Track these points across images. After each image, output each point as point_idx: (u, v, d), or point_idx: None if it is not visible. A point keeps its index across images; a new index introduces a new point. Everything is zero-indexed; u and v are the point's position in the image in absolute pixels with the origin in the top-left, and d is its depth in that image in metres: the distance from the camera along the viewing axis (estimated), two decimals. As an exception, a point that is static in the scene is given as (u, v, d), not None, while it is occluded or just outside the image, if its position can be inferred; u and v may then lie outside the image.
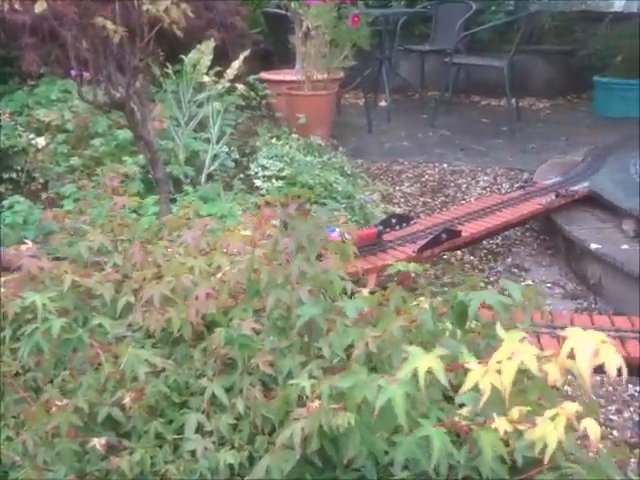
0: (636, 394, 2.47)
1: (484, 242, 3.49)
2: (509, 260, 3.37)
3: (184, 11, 2.38)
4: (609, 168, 3.85)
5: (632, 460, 2.19)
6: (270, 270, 0.99)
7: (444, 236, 2.71)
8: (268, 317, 0.95)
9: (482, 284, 3.15)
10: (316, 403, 0.74)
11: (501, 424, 0.69)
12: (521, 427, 0.70)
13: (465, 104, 6.78)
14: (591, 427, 0.67)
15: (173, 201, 2.96)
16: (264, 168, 3.47)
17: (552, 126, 5.78)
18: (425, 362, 0.69)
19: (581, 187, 3.45)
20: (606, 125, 5.70)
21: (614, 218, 3.23)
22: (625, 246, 2.95)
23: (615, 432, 2.30)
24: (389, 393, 0.69)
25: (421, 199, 4.07)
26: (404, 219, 2.92)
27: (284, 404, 0.81)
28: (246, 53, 3.89)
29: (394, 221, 2.88)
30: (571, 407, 0.68)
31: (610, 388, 2.51)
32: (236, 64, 3.77)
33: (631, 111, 6.01)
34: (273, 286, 0.96)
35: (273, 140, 3.81)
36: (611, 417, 2.36)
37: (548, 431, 0.67)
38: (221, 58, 3.98)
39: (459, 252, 3.39)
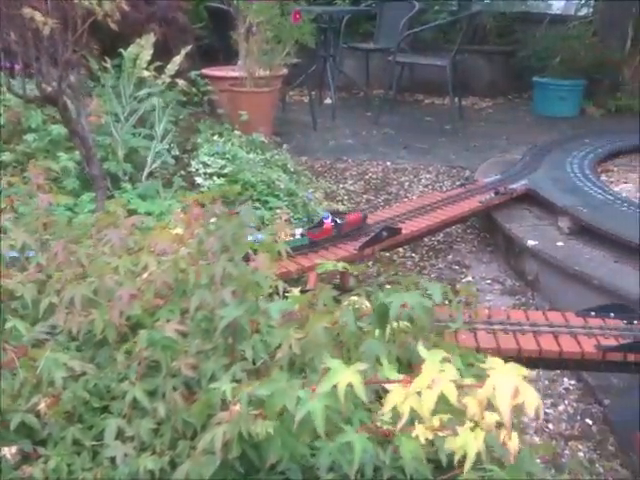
0: (571, 387, 2.53)
1: (426, 239, 3.52)
2: (450, 257, 3.41)
3: (118, 4, 2.32)
4: (547, 166, 3.93)
5: (566, 452, 2.25)
6: (195, 270, 0.96)
7: (385, 234, 2.72)
8: (192, 319, 0.93)
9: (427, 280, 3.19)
10: (237, 407, 0.72)
11: (421, 432, 0.68)
12: (442, 434, 0.70)
13: (409, 102, 6.84)
14: (512, 440, 0.67)
15: (111, 198, 2.89)
16: (205, 165, 3.42)
17: (494, 125, 5.88)
18: (345, 377, 0.67)
19: (520, 185, 3.51)
20: (545, 124, 5.83)
21: (551, 215, 3.30)
22: (560, 243, 3.02)
23: (551, 425, 2.35)
24: (309, 406, 0.67)
25: (364, 197, 4.08)
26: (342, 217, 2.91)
27: (205, 408, 0.78)
28: (188, 48, 3.83)
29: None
30: (491, 418, 0.67)
31: (546, 382, 2.57)
32: (177, 59, 3.71)
33: (569, 111, 6.18)
34: (197, 287, 0.94)
35: (215, 137, 3.76)
36: (547, 411, 2.41)
37: (468, 441, 0.67)
38: (162, 53, 3.90)
39: (401, 249, 3.41)
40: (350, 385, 0.66)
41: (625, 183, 4.12)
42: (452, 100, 5.76)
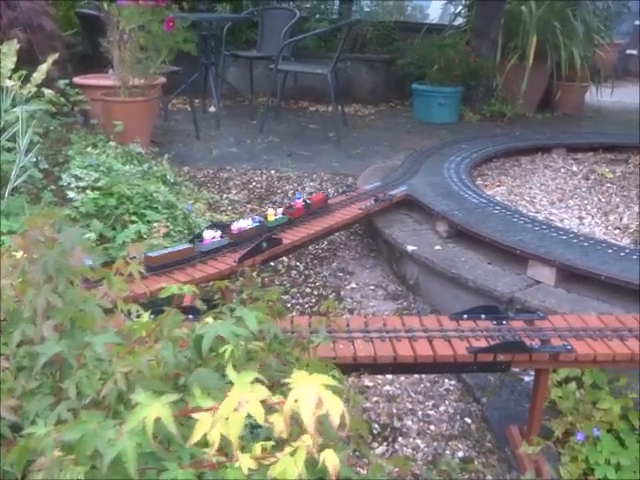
0: (451, 388, 2.59)
1: (310, 247, 3.53)
2: (334, 264, 3.43)
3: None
4: (425, 172, 4.04)
5: (447, 452, 2.30)
6: (22, 302, 0.88)
7: (265, 245, 2.68)
8: (14, 355, 0.85)
9: (308, 290, 3.19)
10: (57, 452, 0.66)
11: (245, 461, 0.65)
12: (266, 462, 0.67)
13: (294, 110, 6.87)
14: (330, 459, 0.65)
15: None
16: (78, 178, 3.26)
17: (376, 132, 6.00)
18: (153, 411, 0.63)
19: (399, 191, 3.57)
20: (425, 130, 6.01)
21: (429, 220, 3.38)
22: (438, 247, 3.09)
23: (432, 426, 2.39)
24: (119, 446, 0.63)
25: (248, 206, 4.04)
26: (223, 228, 2.86)
27: (25, 454, 0.71)
28: (55, 56, 3.64)
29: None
30: (310, 440, 0.65)
31: (428, 384, 2.62)
32: (44, 67, 3.52)
33: (448, 117, 6.41)
34: (21, 320, 0.86)
35: (89, 149, 3.60)
36: (428, 412, 2.45)
37: (288, 466, 0.64)
38: (28, 61, 3.70)
39: (285, 259, 3.39)
40: (158, 419, 0.63)
41: (499, 186, 4.31)
42: (335, 108, 5.82)
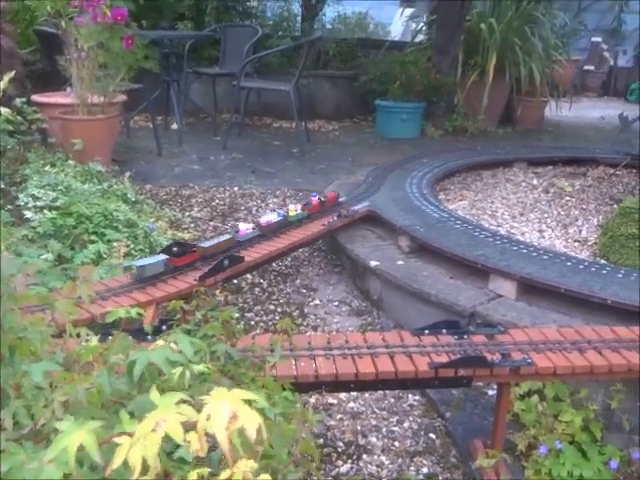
0: (415, 403, 2.59)
1: (274, 264, 3.51)
2: (298, 281, 3.41)
3: None
4: (388, 187, 4.05)
5: (411, 469, 2.29)
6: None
7: (226, 263, 2.66)
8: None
9: (272, 307, 3.17)
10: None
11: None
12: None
13: (258, 126, 6.87)
14: None
15: None
16: (35, 198, 3.20)
17: (340, 147, 6.03)
18: (77, 438, 0.61)
19: (362, 207, 3.57)
20: (389, 146, 6.05)
21: (392, 235, 3.39)
22: (401, 262, 3.10)
23: (397, 443, 2.38)
24: (43, 476, 0.60)
25: (211, 224, 4.00)
26: (186, 247, 2.82)
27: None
28: (12, 74, 3.58)
29: (175, 250, 2.77)
30: (245, 465, 0.64)
31: (392, 400, 2.61)
32: (0, 85, 3.46)
33: (410, 132, 6.47)
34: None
35: (47, 168, 3.54)
36: (393, 428, 2.44)
37: None
38: (-16, 79, 3.63)
39: (249, 276, 3.37)
40: (82, 447, 0.60)
41: (461, 200, 4.35)
42: (298, 124, 5.83)
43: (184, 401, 0.66)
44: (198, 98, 6.78)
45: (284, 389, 1.21)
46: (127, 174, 4.00)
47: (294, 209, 3.23)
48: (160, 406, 0.63)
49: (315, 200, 3.38)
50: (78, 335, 1.07)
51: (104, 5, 3.89)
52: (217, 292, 3.31)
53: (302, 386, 1.94)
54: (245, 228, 2.95)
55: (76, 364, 0.94)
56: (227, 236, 2.87)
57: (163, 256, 2.57)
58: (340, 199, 3.61)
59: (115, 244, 2.98)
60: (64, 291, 1.10)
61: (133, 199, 3.67)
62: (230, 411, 0.63)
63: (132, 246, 3.13)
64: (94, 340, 1.00)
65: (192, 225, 3.94)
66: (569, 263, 2.82)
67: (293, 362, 1.91)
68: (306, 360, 1.92)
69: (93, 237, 3.06)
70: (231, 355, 1.21)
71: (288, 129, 6.72)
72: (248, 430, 0.62)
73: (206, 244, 2.77)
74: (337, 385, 1.92)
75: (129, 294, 2.41)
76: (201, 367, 0.91)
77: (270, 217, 3.09)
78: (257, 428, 0.62)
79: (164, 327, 1.83)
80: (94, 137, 3.90)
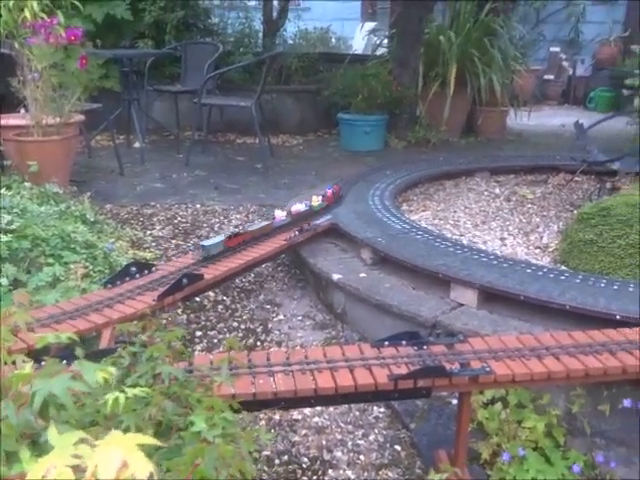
0: (380, 415, 2.57)
1: (237, 280, 3.47)
2: (262, 297, 3.38)
3: None
4: (351, 200, 4.05)
5: (378, 482, 2.27)
6: None
7: (185, 281, 2.62)
8: None
9: (235, 324, 3.13)
10: None
11: None
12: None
13: (221, 143, 6.84)
14: None
15: None
16: (-11, 221, 3.13)
17: (304, 161, 6.03)
18: None
19: (324, 220, 3.57)
20: (352, 158, 6.07)
21: (354, 248, 3.38)
22: (363, 274, 3.09)
23: (362, 456, 2.36)
24: None
25: (173, 242, 3.96)
26: (144, 267, 2.79)
27: None
28: (-36, 96, 3.52)
29: (134, 269, 2.74)
30: None
31: (357, 413, 2.59)
32: (-49, 109, 3.39)
33: (374, 145, 6.51)
34: None
35: (2, 190, 3.46)
36: (358, 442, 2.42)
37: None
38: None
39: (211, 293, 3.33)
40: None
41: (424, 211, 4.37)
42: (261, 139, 5.82)
43: (83, 440, 0.63)
44: (160, 116, 6.74)
45: (232, 409, 1.18)
46: (87, 194, 3.94)
47: (317, 199, 3.66)
48: (56, 447, 0.60)
49: (330, 192, 3.83)
50: (14, 362, 1.04)
51: (58, 26, 3.84)
52: (179, 311, 3.28)
53: (261, 403, 1.91)
54: (280, 215, 3.42)
55: (9, 392, 0.91)
56: (265, 222, 3.32)
57: (221, 237, 3.02)
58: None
59: (72, 266, 2.92)
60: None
61: (92, 220, 3.61)
62: (120, 460, 0.61)
63: (91, 267, 3.07)
64: (27, 367, 0.96)
65: (154, 244, 3.89)
66: (529, 270, 2.84)
67: (252, 379, 1.88)
68: (264, 377, 1.89)
69: (50, 260, 3.00)
70: (177, 377, 1.19)
71: (252, 145, 6.71)
72: (138, 476, 0.60)
73: (253, 227, 3.23)
74: (297, 401, 1.90)
75: (85, 317, 2.36)
76: (136, 391, 0.89)
77: (299, 207, 3.56)
78: (148, 474, 0.60)
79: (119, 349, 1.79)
80: (50, 158, 3.84)
